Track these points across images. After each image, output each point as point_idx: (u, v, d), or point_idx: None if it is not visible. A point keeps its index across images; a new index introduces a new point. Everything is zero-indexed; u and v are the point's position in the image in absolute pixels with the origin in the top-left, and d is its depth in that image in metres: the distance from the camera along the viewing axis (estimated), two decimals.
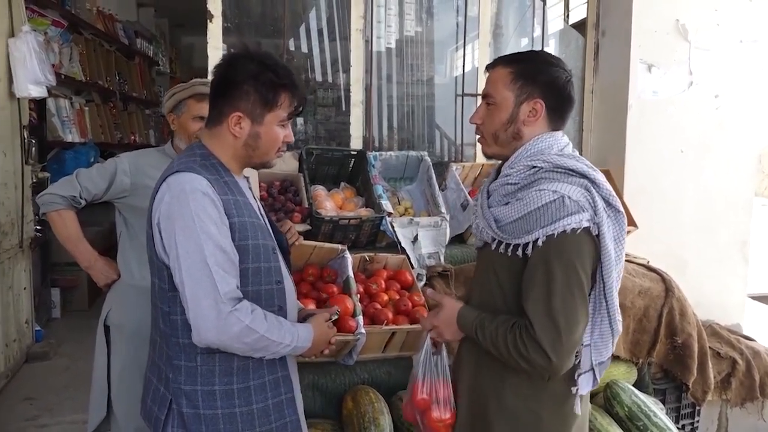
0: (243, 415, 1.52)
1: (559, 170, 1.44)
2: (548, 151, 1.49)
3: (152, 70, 8.41)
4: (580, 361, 1.47)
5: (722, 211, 3.67)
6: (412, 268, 2.86)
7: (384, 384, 2.51)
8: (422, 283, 2.87)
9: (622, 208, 1.46)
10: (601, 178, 1.45)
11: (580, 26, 3.92)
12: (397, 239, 2.91)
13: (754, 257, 3.90)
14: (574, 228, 1.38)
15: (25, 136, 3.75)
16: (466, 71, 3.72)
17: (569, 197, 1.39)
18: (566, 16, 4.01)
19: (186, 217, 1.43)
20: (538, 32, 3.91)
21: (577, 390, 1.49)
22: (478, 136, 1.60)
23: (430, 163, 3.23)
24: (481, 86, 3.69)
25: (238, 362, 1.52)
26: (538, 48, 3.87)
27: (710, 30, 3.56)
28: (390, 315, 2.51)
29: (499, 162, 1.61)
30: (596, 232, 1.40)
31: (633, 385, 2.83)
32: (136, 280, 2.25)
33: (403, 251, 2.90)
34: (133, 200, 2.24)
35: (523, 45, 4.07)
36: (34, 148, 3.96)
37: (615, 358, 2.78)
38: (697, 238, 3.63)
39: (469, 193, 3.24)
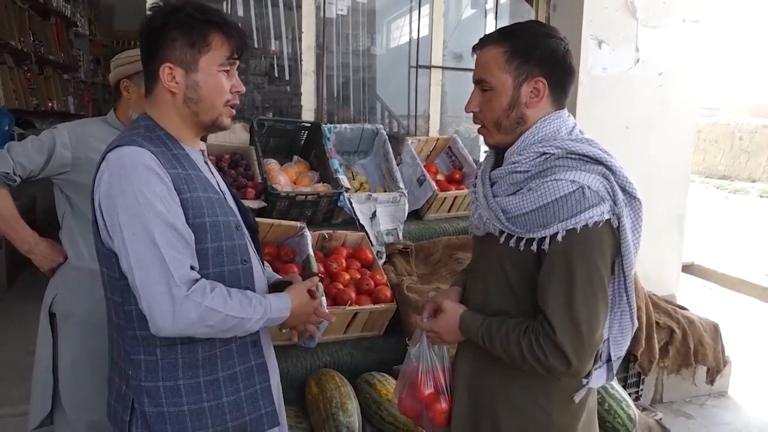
0: (212, 409, 1.39)
1: (573, 156, 1.33)
2: (558, 134, 1.37)
3: (70, 32, 7.77)
4: (598, 355, 1.41)
5: (662, 186, 3.77)
6: (371, 245, 2.78)
7: (346, 366, 2.44)
8: (382, 261, 2.79)
9: (638, 195, 1.37)
10: (617, 163, 1.35)
11: None
12: (356, 216, 2.81)
13: None
14: (596, 221, 1.28)
15: None
16: (420, 40, 3.62)
17: (589, 188, 1.28)
18: None
19: (128, 195, 1.26)
20: (490, 4, 3.85)
21: (587, 383, 1.41)
22: (478, 126, 1.47)
23: (386, 137, 3.14)
24: (435, 57, 3.65)
25: (204, 353, 1.39)
26: (491, 20, 3.83)
27: (657, 8, 3.61)
28: (353, 295, 2.43)
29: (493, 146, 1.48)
30: (616, 224, 1.31)
31: None
32: (86, 262, 2.03)
33: (362, 228, 2.81)
34: (75, 176, 2.01)
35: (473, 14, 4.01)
36: None
37: None
38: None
39: (424, 167, 3.17)
